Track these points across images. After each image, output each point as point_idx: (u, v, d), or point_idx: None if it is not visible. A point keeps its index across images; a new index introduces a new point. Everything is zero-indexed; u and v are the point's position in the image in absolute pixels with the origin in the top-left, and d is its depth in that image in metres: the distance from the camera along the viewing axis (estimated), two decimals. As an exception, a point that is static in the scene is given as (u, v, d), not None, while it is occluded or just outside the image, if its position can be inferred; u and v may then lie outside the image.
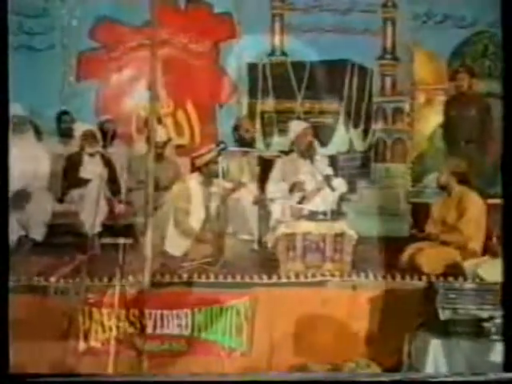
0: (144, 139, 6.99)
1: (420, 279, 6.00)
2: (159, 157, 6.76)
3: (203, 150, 6.94)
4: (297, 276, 6.16)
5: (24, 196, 6.78)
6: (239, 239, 6.71)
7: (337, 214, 6.54)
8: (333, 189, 6.68)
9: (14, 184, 6.74)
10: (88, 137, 7.00)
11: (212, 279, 6.17)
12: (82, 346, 6.04)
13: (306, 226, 6.33)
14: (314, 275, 6.17)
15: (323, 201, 6.62)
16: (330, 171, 6.84)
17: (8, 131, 4.88)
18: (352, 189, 7.22)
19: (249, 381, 4.91)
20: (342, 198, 6.83)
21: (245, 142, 7.33)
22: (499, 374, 4.56)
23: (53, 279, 6.11)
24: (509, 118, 4.63)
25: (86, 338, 6.06)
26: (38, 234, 6.68)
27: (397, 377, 5.07)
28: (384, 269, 6.18)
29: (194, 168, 6.87)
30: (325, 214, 6.37)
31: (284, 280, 6.15)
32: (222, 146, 7.12)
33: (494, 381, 4.50)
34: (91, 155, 6.98)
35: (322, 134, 7.36)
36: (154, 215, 5.98)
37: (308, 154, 6.84)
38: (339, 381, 4.68)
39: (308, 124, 7.12)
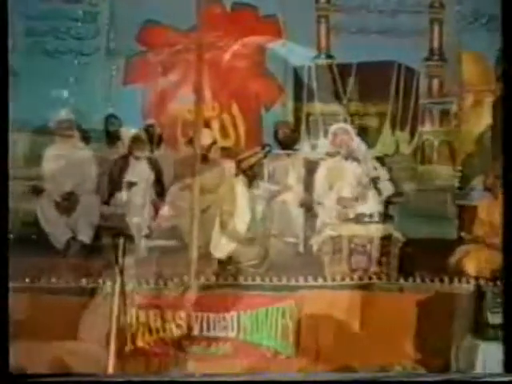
0: (190, 142, 7.12)
1: (468, 282, 5.98)
2: (205, 159, 6.80)
3: (248, 152, 7.06)
4: (343, 278, 6.19)
5: (72, 199, 6.94)
6: (284, 242, 6.74)
7: (383, 216, 6.56)
8: (379, 191, 6.71)
9: (62, 187, 6.95)
10: (136, 140, 7.13)
11: (257, 282, 6.24)
12: (128, 347, 6.15)
13: (352, 228, 6.39)
14: (360, 278, 6.21)
15: (370, 203, 6.64)
16: (376, 173, 6.86)
17: (8, 131, 4.95)
18: (399, 191, 7.22)
19: (253, 381, 4.98)
20: (388, 201, 6.84)
21: (290, 145, 7.35)
22: (499, 374, 4.59)
23: (100, 281, 6.22)
24: (509, 117, 4.63)
25: (133, 339, 6.16)
26: (85, 236, 6.81)
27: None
28: (431, 272, 6.18)
29: (240, 171, 6.96)
30: (371, 216, 6.42)
31: (330, 282, 6.19)
32: (267, 148, 7.19)
33: (494, 381, 4.51)
34: (138, 158, 7.09)
35: (367, 136, 7.37)
36: (200, 218, 6.10)
37: (354, 156, 6.87)
38: (386, 381, 4.70)
39: (346, 125, 7.17)
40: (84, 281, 6.25)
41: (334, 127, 7.10)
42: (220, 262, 6.53)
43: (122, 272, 5.22)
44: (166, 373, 5.89)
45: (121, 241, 5.38)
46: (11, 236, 6.72)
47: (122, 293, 5.14)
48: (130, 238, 6.61)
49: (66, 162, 7.04)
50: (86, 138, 7.38)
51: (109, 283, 6.16)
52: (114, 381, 4.92)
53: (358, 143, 6.98)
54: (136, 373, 5.52)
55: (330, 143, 7.01)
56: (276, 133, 7.37)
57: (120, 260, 5.21)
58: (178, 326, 6.14)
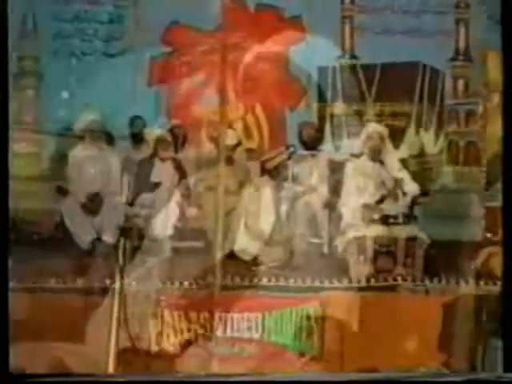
0: (214, 143, 7.15)
1: (494, 284, 5.97)
2: (229, 160, 6.87)
3: (273, 153, 7.07)
4: (367, 280, 6.21)
5: (97, 200, 7.00)
6: (309, 243, 6.74)
7: (408, 217, 6.56)
8: (404, 192, 6.71)
9: (87, 188, 7.02)
10: (161, 141, 7.16)
11: (282, 283, 6.27)
12: (153, 348, 6.21)
13: (376, 229, 6.39)
14: (385, 279, 6.22)
15: (394, 204, 6.64)
16: (401, 174, 6.86)
17: (8, 130, 4.95)
18: (424, 192, 7.21)
19: (255, 381, 5.02)
20: (413, 202, 6.82)
21: (314, 146, 7.35)
22: (499, 373, 4.62)
23: (126, 282, 6.22)
24: (509, 116, 4.67)
25: (158, 340, 6.22)
26: (110, 237, 6.84)
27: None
28: (457, 273, 6.17)
29: (264, 171, 7.00)
30: (396, 217, 6.43)
31: (354, 284, 6.20)
32: (291, 149, 7.20)
33: (494, 381, 4.51)
34: (162, 159, 7.13)
35: (393, 136, 7.35)
36: (224, 219, 6.14)
37: (378, 157, 6.87)
38: (410, 381, 4.72)
39: (380, 126, 7.16)
40: (108, 282, 6.24)
41: (368, 129, 7.10)
42: (244, 262, 6.57)
43: (122, 272, 5.28)
44: (168, 373, 5.90)
45: (121, 241, 5.45)
46: (36, 236, 6.91)
47: (122, 293, 5.15)
48: (154, 239, 6.77)
49: (91, 163, 7.10)
50: (111, 139, 7.44)
51: (133, 284, 6.28)
52: (114, 381, 4.95)
53: (381, 144, 6.95)
54: (136, 373, 5.53)
55: (362, 144, 7.00)
56: (300, 133, 7.37)
57: (121, 260, 5.28)
58: (203, 326, 6.18)
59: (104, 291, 6.18)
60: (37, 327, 6.03)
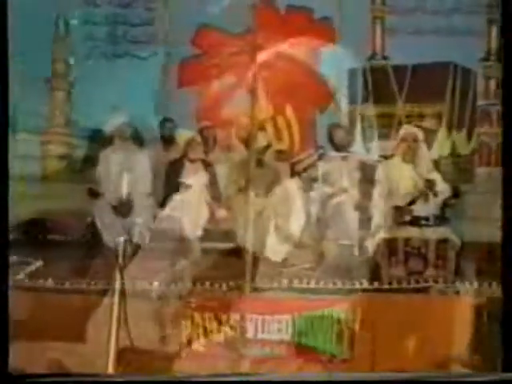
0: (244, 145, 7.19)
1: (527, 286, 5.94)
2: (259, 162, 6.90)
3: (303, 155, 7.07)
4: (399, 282, 6.21)
5: (127, 202, 6.97)
6: (339, 244, 6.74)
7: (440, 219, 6.55)
8: (436, 194, 6.69)
9: (118, 190, 7.06)
10: (191, 143, 7.19)
11: (312, 285, 6.27)
12: (184, 349, 6.23)
13: (408, 231, 6.40)
14: (416, 281, 6.21)
15: (426, 206, 6.63)
16: (432, 176, 6.84)
17: (8, 131, 4.96)
18: (455, 194, 7.19)
19: (256, 381, 4.97)
20: (445, 203, 6.81)
21: (344, 147, 7.31)
22: (499, 373, 4.57)
23: (156, 283, 6.34)
24: (509, 116, 4.67)
25: (189, 341, 6.25)
26: (141, 238, 6.91)
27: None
28: (489, 275, 6.14)
29: (294, 173, 6.98)
30: (427, 219, 6.43)
31: (386, 286, 6.21)
32: (321, 150, 7.22)
33: (494, 381, 4.48)
34: (193, 161, 7.17)
35: (424, 137, 7.32)
36: (255, 220, 6.16)
37: (411, 158, 6.86)
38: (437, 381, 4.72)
39: (415, 128, 7.16)
40: (139, 283, 6.31)
41: (402, 131, 7.11)
42: (274, 264, 6.58)
43: (122, 272, 5.30)
44: (169, 373, 5.92)
45: (121, 240, 5.48)
46: (67, 238, 7.00)
47: (123, 292, 5.19)
48: (185, 240, 6.82)
49: (121, 165, 7.12)
50: (141, 141, 7.50)
51: (164, 285, 6.34)
52: (114, 381, 4.94)
53: (414, 145, 6.95)
54: (135, 373, 5.51)
55: (396, 146, 7.01)
56: (330, 135, 7.34)
57: (120, 260, 5.32)
58: (233, 328, 6.19)
59: (137, 293, 6.20)
60: (58, 327, 6.11)
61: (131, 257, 6.76)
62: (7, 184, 4.83)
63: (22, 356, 5.29)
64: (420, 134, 7.05)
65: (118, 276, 5.20)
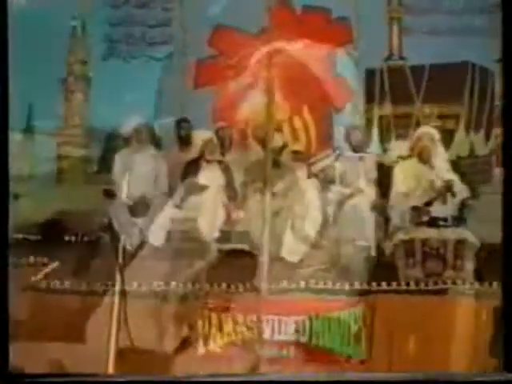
0: (261, 145, 7.19)
1: (547, 288, 5.91)
2: (276, 163, 6.82)
3: (319, 155, 7.11)
4: (417, 283, 6.19)
5: (144, 202, 7.08)
6: (356, 245, 6.73)
7: (458, 220, 6.54)
8: (454, 194, 6.69)
9: (134, 191, 7.09)
10: (208, 144, 7.21)
11: (329, 286, 6.27)
12: (201, 350, 6.25)
13: (425, 232, 6.38)
14: (434, 282, 6.20)
15: (443, 207, 6.62)
16: (450, 176, 6.84)
17: (8, 131, 4.99)
18: (474, 194, 7.16)
19: (256, 381, 5.06)
20: (463, 204, 6.80)
21: (361, 148, 7.37)
22: (499, 374, 4.62)
23: (173, 284, 6.35)
24: (509, 116, 4.71)
25: (206, 342, 6.25)
26: (157, 239, 6.90)
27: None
28: (509, 277, 6.11)
29: (311, 174, 7.02)
30: (445, 220, 6.41)
31: (403, 287, 6.19)
32: (338, 151, 7.23)
33: (494, 381, 4.54)
34: (209, 162, 7.18)
35: (442, 138, 7.31)
36: (271, 221, 6.16)
37: (428, 159, 6.87)
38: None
39: (431, 128, 7.16)
40: (156, 284, 6.36)
41: (418, 131, 7.12)
42: (291, 265, 6.58)
43: (122, 271, 5.31)
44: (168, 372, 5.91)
45: (121, 239, 5.48)
46: (83, 238, 7.02)
47: (123, 292, 5.18)
48: (201, 242, 6.83)
49: (138, 166, 7.19)
50: (157, 142, 7.54)
51: (181, 286, 6.35)
52: (114, 381, 5.01)
53: (430, 145, 6.95)
54: (135, 373, 5.52)
55: (412, 146, 7.02)
56: (347, 135, 7.39)
57: (120, 260, 5.27)
58: (250, 329, 6.20)
59: (153, 294, 6.29)
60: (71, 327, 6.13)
61: (147, 258, 6.85)
62: (7, 184, 4.90)
63: (24, 356, 5.31)
64: (436, 134, 7.04)
65: (117, 275, 5.31)
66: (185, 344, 6.18)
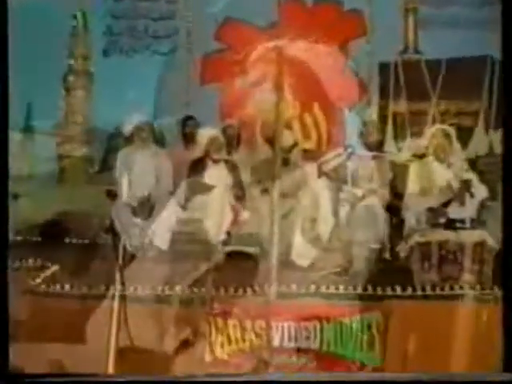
0: (269, 144, 7.10)
1: None
2: (285, 162, 6.81)
3: (331, 154, 7.03)
4: (433, 288, 6.14)
5: (148, 203, 7.00)
6: (370, 248, 6.67)
7: (477, 221, 6.46)
8: (472, 195, 6.60)
9: (138, 191, 7.03)
10: (214, 142, 7.14)
11: (341, 290, 6.23)
12: (208, 357, 6.21)
13: (442, 234, 6.33)
14: (451, 287, 6.14)
15: (461, 208, 6.55)
16: (468, 176, 6.75)
17: (8, 131, 4.97)
18: (493, 195, 7.08)
19: (256, 381, 5.09)
20: (482, 205, 6.69)
21: (375, 146, 7.30)
22: (499, 374, 4.63)
23: (178, 288, 6.30)
24: (509, 115, 4.80)
25: (212, 349, 6.22)
26: (162, 241, 6.83)
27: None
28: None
29: (322, 173, 6.95)
30: (463, 221, 6.35)
31: (419, 292, 6.15)
32: (350, 150, 7.13)
33: (494, 381, 4.57)
34: (215, 161, 7.12)
35: (459, 136, 7.24)
36: (280, 223, 6.09)
37: (444, 157, 6.80)
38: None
39: (446, 126, 7.11)
40: (160, 288, 6.32)
41: (433, 129, 7.06)
42: (301, 269, 6.54)
43: (121, 272, 5.26)
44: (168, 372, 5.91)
45: (122, 240, 5.43)
46: (85, 241, 6.97)
47: (123, 297, 5.32)
48: (207, 244, 6.76)
49: (141, 165, 7.12)
50: (162, 140, 7.47)
51: (186, 290, 6.29)
52: (114, 381, 5.08)
53: (445, 143, 6.88)
54: (135, 373, 5.52)
55: (426, 144, 6.95)
56: (360, 133, 7.32)
57: (120, 260, 5.24)
58: (258, 335, 6.17)
59: (156, 298, 6.25)
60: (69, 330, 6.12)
61: (151, 260, 6.80)
62: (7, 184, 4.88)
63: (23, 356, 5.32)
64: (451, 131, 6.98)
65: (117, 275, 5.41)
66: (186, 345, 6.15)
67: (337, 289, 6.22)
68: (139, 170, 7.10)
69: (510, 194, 4.91)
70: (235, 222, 6.95)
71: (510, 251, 4.86)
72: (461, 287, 6.13)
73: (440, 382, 4.96)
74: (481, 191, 6.67)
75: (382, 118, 7.82)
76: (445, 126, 7.12)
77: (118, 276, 5.89)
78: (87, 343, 6.02)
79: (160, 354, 6.00)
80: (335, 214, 6.73)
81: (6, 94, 4.90)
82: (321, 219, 6.72)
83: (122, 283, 5.71)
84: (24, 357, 5.31)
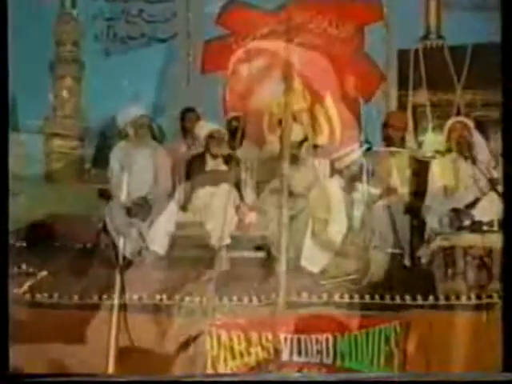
0: (277, 139, 7.08)
1: None
2: (294, 158, 6.73)
3: (345, 150, 6.97)
4: (458, 297, 6.14)
5: (144, 204, 6.99)
6: (388, 253, 6.66)
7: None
8: (500, 194, 6.56)
9: (134, 191, 7.02)
10: (214, 137, 7.13)
11: (356, 300, 6.24)
12: (209, 371, 6.18)
13: (468, 238, 6.34)
14: (478, 296, 6.14)
15: (489, 208, 6.52)
16: (496, 174, 6.70)
17: (8, 131, 5.08)
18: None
19: (254, 381, 5.16)
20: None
21: (393, 141, 7.32)
22: (499, 373, 4.72)
23: (177, 297, 6.28)
24: (509, 115, 4.91)
25: (214, 364, 6.19)
26: (159, 246, 6.83)
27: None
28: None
29: (335, 171, 6.93)
30: (491, 224, 6.32)
31: (442, 302, 6.15)
32: (366, 145, 7.13)
33: (494, 381, 4.67)
34: (215, 157, 7.12)
35: (486, 129, 7.27)
36: (289, 225, 6.06)
37: (469, 153, 6.79)
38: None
39: (465, 119, 7.10)
40: (158, 297, 6.30)
41: (450, 121, 7.05)
42: (312, 276, 6.53)
43: (121, 273, 5.37)
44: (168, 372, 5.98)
45: (121, 241, 5.41)
46: (76, 245, 6.97)
47: (120, 306, 5.39)
48: (210, 249, 6.75)
49: (137, 162, 7.11)
50: (160, 134, 7.50)
51: (187, 300, 6.28)
52: (114, 381, 5.21)
53: (477, 139, 6.89)
54: (135, 373, 5.60)
55: (445, 140, 6.96)
56: (377, 127, 7.36)
57: (120, 260, 5.30)
58: (265, 349, 6.15)
59: (154, 308, 6.25)
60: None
61: (148, 266, 6.79)
62: (7, 184, 4.97)
63: (22, 356, 5.37)
64: (470, 123, 7.00)
65: (117, 276, 5.45)
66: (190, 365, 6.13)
67: (351, 298, 6.23)
68: (135, 168, 7.08)
69: (510, 195, 5.04)
70: (240, 224, 6.93)
71: (509, 250, 4.99)
72: (489, 296, 6.11)
73: (440, 381, 5.05)
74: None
75: (402, 110, 7.85)
76: (462, 118, 7.14)
77: (117, 281, 5.90)
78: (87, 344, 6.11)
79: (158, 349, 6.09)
80: (349, 215, 6.71)
81: (6, 93, 4.99)
82: (333, 221, 6.69)
83: (120, 293, 5.72)
84: (23, 356, 5.38)
